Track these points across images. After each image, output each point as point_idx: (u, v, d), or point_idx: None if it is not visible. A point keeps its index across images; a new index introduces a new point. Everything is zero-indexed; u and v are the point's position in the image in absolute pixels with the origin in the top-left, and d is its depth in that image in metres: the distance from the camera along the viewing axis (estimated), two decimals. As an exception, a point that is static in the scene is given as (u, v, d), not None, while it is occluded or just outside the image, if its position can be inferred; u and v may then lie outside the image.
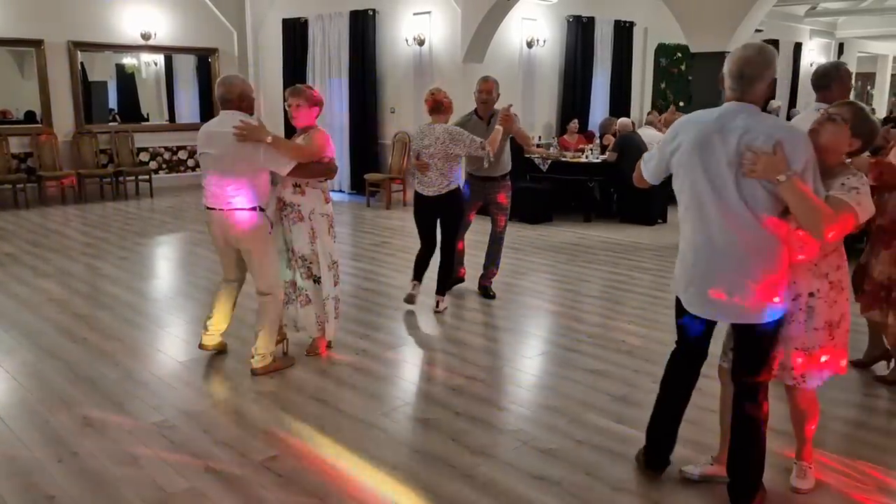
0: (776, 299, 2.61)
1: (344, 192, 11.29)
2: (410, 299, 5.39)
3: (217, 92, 4.04)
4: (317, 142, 4.07)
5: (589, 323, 5.19)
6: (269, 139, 3.85)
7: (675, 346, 2.99)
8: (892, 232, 3.88)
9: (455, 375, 4.22)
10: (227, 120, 3.92)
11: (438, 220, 5.39)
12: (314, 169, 4.09)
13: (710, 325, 2.85)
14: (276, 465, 3.16)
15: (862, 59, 18.78)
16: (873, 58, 19.36)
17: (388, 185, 10.10)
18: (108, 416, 3.62)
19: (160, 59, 12.04)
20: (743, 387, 2.79)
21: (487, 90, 5.49)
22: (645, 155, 2.97)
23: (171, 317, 5.30)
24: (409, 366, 4.51)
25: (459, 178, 5.30)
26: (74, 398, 3.83)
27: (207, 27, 11.74)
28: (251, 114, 4.08)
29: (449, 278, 5.55)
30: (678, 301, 2.84)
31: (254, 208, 3.98)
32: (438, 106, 5.15)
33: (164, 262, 7.44)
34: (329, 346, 4.52)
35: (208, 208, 4.06)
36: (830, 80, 4.01)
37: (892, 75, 20.53)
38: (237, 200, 3.95)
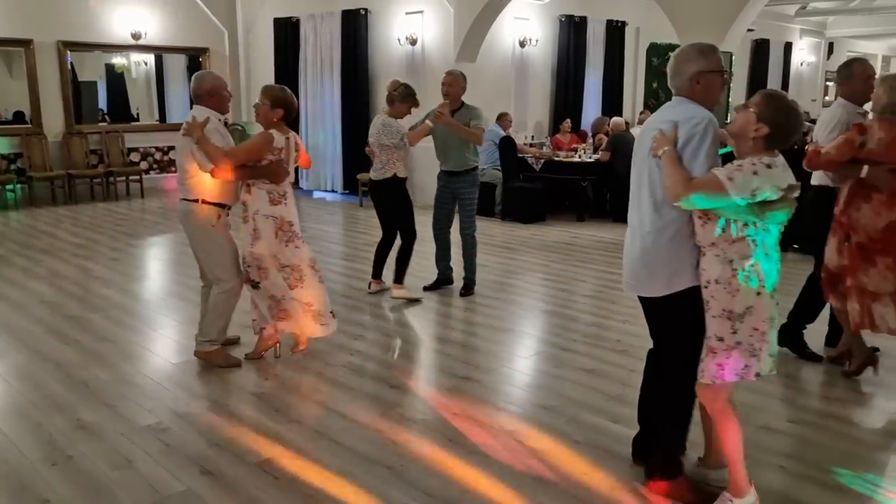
0: (666, 273, 2.72)
1: (336, 192, 11.26)
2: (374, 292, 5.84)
3: (190, 87, 4.19)
4: (247, 144, 4.15)
5: (583, 322, 5.19)
6: (195, 139, 3.93)
7: None
8: (839, 221, 4.00)
9: (450, 376, 4.21)
10: (191, 114, 4.08)
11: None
12: (252, 171, 4.07)
13: (645, 307, 2.94)
14: (272, 467, 3.14)
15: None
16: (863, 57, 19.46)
17: (380, 184, 10.06)
18: (102, 419, 3.59)
19: (150, 58, 11.98)
20: (667, 375, 2.91)
21: (448, 83, 5.67)
22: None
23: (164, 318, 5.26)
24: (404, 367, 4.49)
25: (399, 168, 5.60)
26: (67, 401, 3.79)
27: (198, 27, 11.68)
28: (223, 111, 4.17)
29: (403, 267, 5.68)
30: None
31: (196, 200, 4.09)
32: (387, 97, 5.54)
33: (156, 263, 7.40)
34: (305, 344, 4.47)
35: None
36: (841, 76, 4.23)
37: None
38: (184, 191, 4.12)
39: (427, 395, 3.98)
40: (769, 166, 2.52)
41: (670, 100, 2.80)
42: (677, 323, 2.78)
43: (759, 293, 2.61)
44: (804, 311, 4.41)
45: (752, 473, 3.07)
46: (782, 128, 2.56)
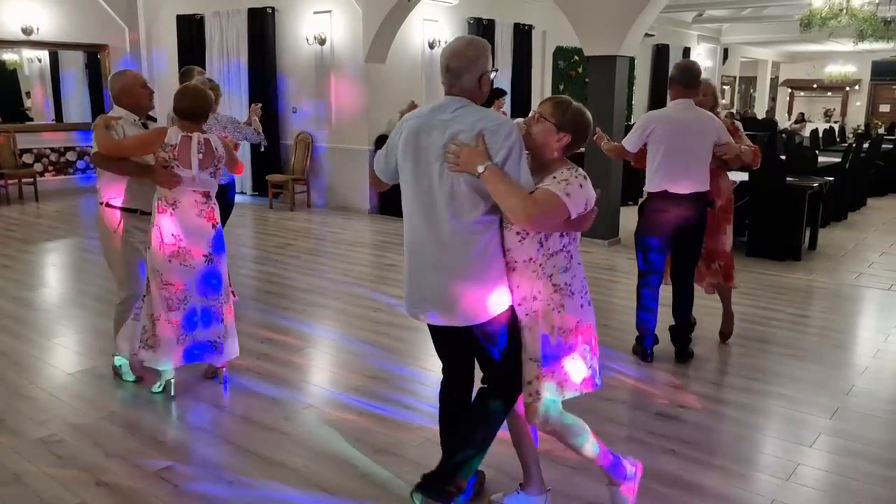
0: (492, 297, 2.46)
1: (246, 193, 11.04)
2: None
3: None
4: (138, 135, 3.78)
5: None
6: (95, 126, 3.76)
7: None
8: (727, 209, 4.51)
9: (359, 376, 4.22)
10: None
11: None
12: (131, 168, 3.75)
13: (446, 336, 2.65)
14: (172, 475, 3.07)
15: (745, 64, 19.97)
16: (754, 62, 20.62)
17: (291, 186, 9.95)
18: (-12, 434, 3.41)
19: (45, 55, 11.40)
20: (485, 388, 2.62)
21: None
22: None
23: (61, 327, 5.04)
24: (312, 368, 4.47)
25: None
26: (-50, 416, 3.59)
27: (96, 22, 11.19)
28: (137, 111, 3.93)
29: None
30: None
31: (101, 203, 3.95)
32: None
33: (53, 270, 7.06)
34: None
35: None
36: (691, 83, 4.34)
37: (772, 79, 21.93)
38: (97, 194, 4.01)
39: (334, 396, 3.97)
40: (586, 178, 2.47)
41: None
42: (507, 344, 2.52)
43: (582, 307, 2.53)
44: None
45: (646, 458, 3.23)
46: (580, 130, 2.48)
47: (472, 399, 2.72)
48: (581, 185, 2.43)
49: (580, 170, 2.50)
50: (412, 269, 2.57)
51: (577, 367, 2.54)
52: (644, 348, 4.45)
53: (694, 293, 4.47)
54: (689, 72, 4.20)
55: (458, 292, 2.46)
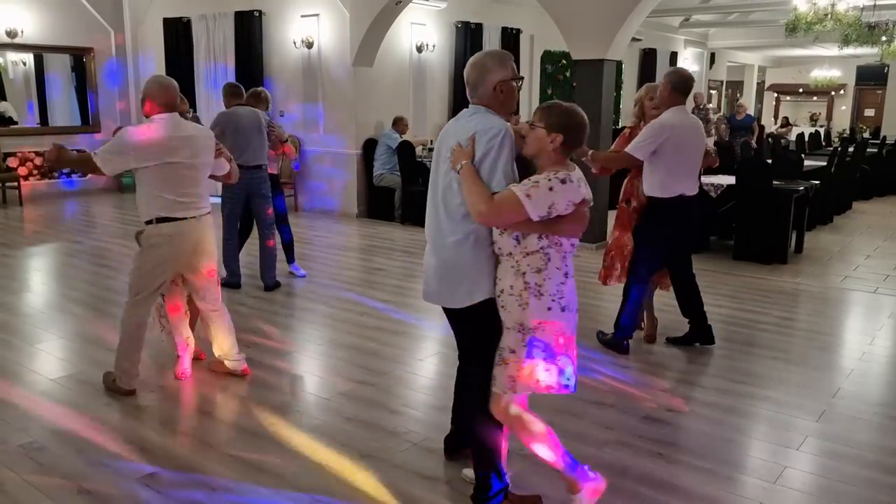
0: (466, 284, 2.62)
1: (233, 197, 10.97)
2: None
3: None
4: None
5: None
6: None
7: None
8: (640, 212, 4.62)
9: (346, 381, 4.19)
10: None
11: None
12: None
13: (445, 312, 2.82)
14: (155, 481, 3.03)
15: (731, 69, 20.11)
16: (741, 67, 20.76)
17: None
18: (-32, 441, 3.36)
19: (29, 58, 11.30)
20: (471, 387, 2.80)
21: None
22: None
23: (44, 332, 4.97)
24: (298, 372, 4.43)
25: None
26: (-71, 423, 3.53)
27: (81, 25, 11.11)
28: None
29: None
30: None
31: None
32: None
33: (37, 275, 6.98)
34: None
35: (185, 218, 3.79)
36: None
37: (758, 83, 22.09)
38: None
39: (319, 400, 3.94)
40: (563, 181, 2.48)
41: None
42: (481, 334, 2.68)
43: (548, 308, 2.55)
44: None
45: (633, 461, 3.23)
46: (571, 128, 2.54)
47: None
48: (551, 188, 2.46)
49: (570, 173, 2.53)
50: (425, 254, 2.81)
51: (532, 366, 2.58)
52: (627, 344, 4.71)
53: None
54: (689, 81, 4.47)
55: (437, 275, 2.71)
